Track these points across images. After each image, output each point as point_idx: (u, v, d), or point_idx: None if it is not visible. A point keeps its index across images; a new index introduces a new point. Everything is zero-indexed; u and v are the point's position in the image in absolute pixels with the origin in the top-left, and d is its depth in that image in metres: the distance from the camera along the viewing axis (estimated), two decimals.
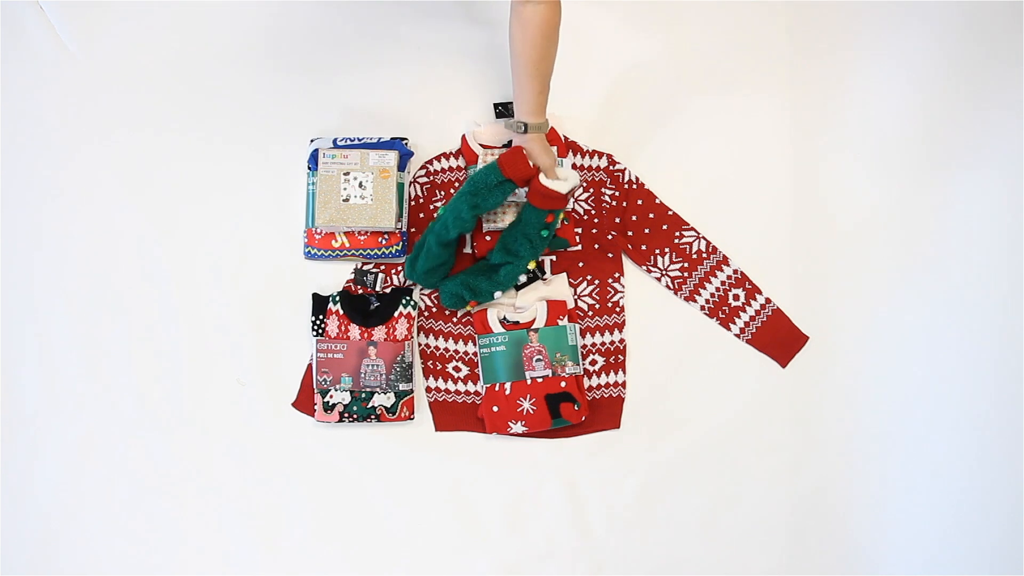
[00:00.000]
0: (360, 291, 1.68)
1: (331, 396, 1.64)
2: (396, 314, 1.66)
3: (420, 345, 1.69)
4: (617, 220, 1.71)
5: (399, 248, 1.67)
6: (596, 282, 1.70)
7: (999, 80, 1.75)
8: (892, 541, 1.66)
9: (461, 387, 1.69)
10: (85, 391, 1.67)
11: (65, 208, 1.71)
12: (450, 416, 1.68)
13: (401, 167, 1.68)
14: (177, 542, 1.65)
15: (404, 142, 1.69)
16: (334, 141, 1.69)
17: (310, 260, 1.69)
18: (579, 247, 1.70)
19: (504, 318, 1.66)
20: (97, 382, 1.67)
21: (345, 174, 1.65)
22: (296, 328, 1.68)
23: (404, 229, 1.68)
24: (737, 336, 1.69)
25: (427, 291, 1.70)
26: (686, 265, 1.70)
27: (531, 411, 1.63)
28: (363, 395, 1.64)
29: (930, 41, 1.76)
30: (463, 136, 1.71)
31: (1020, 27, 1.75)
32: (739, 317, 1.69)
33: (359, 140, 1.69)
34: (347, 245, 1.67)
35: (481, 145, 1.70)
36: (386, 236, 1.67)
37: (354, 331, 1.65)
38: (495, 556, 1.65)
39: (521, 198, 1.63)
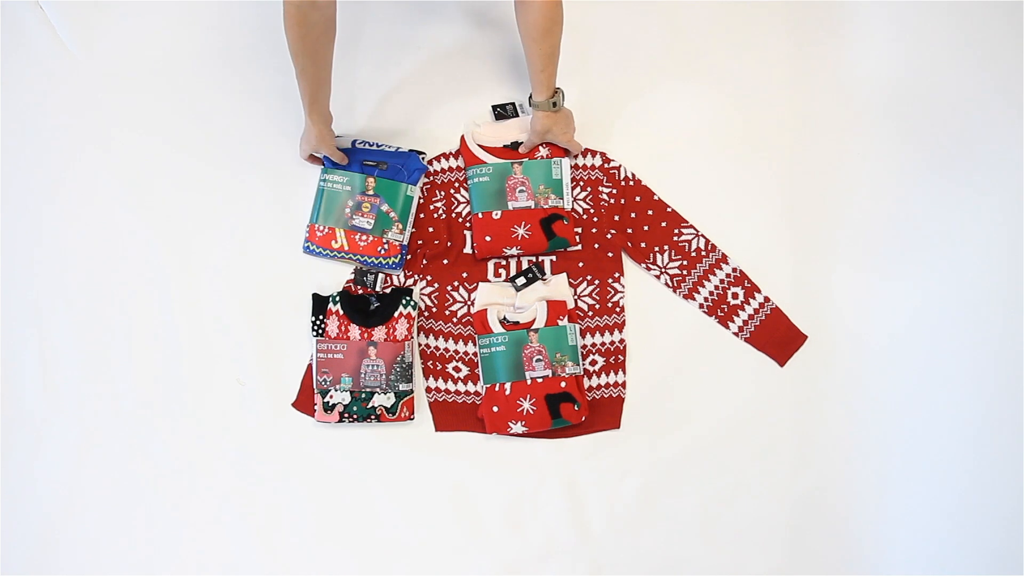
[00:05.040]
0: (360, 291, 1.68)
1: (331, 396, 1.64)
2: (396, 314, 1.66)
3: (420, 345, 1.69)
4: (616, 218, 1.71)
5: (396, 260, 1.68)
6: (596, 282, 1.70)
7: (999, 79, 1.75)
8: (892, 541, 1.66)
9: (461, 387, 1.69)
10: (85, 391, 1.67)
11: (65, 208, 1.71)
12: (450, 416, 1.68)
13: (414, 180, 1.68)
14: (177, 542, 1.64)
15: (421, 156, 1.70)
16: (353, 142, 1.69)
17: (307, 255, 1.69)
18: (579, 247, 1.71)
19: (504, 318, 1.67)
20: (97, 382, 1.67)
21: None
22: (296, 328, 1.68)
23: (405, 243, 1.68)
24: (736, 335, 1.69)
25: (427, 291, 1.70)
26: (685, 263, 1.70)
27: (531, 411, 1.63)
28: (363, 395, 1.64)
29: (930, 41, 1.77)
30: (462, 137, 1.72)
31: (1020, 25, 1.75)
32: (738, 315, 1.69)
33: (378, 145, 1.69)
34: (346, 247, 1.67)
35: (480, 146, 1.71)
36: (386, 246, 1.67)
37: (354, 331, 1.65)
38: (495, 556, 1.65)
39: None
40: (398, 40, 1.77)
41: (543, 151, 1.70)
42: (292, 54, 1.47)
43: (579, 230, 1.71)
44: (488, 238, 1.67)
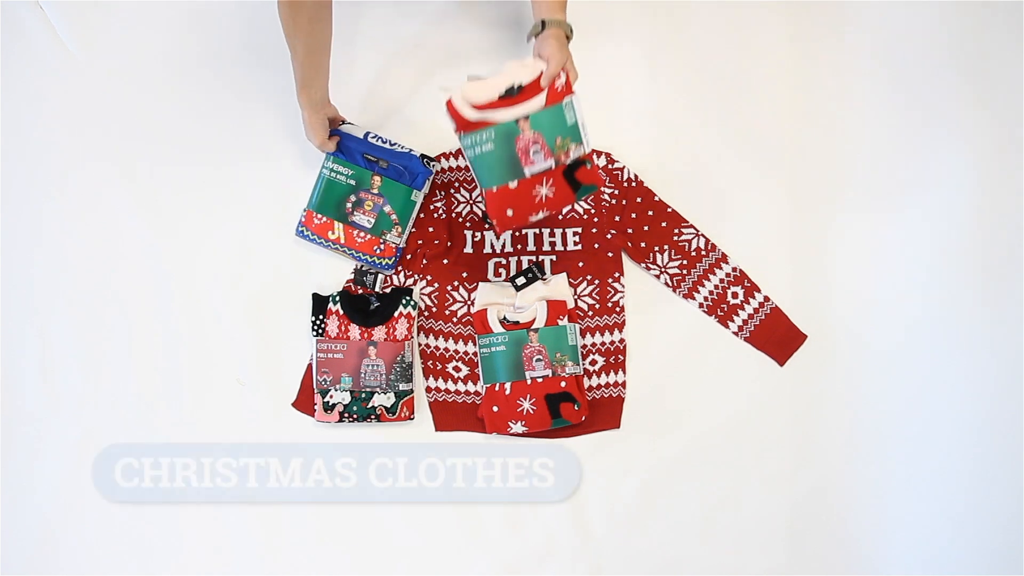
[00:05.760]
0: (360, 291, 1.68)
1: (331, 396, 1.64)
2: (396, 314, 1.66)
3: (420, 345, 1.69)
4: (617, 218, 1.71)
5: (390, 261, 1.67)
6: (596, 282, 1.70)
7: (1000, 80, 1.75)
8: (892, 541, 1.66)
9: (461, 387, 1.69)
10: (85, 391, 1.67)
11: (65, 207, 1.71)
12: (450, 416, 1.68)
13: (419, 185, 1.67)
14: (177, 542, 1.65)
15: (430, 163, 1.68)
16: (365, 134, 1.67)
17: (299, 238, 1.68)
18: (579, 246, 1.70)
19: (504, 318, 1.66)
20: (97, 382, 1.67)
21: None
22: (296, 328, 1.68)
23: (401, 246, 1.68)
24: (735, 334, 1.69)
25: (427, 291, 1.70)
26: (685, 262, 1.70)
27: (531, 411, 1.63)
28: (363, 395, 1.64)
29: (931, 41, 1.77)
30: (448, 102, 1.42)
31: (1020, 26, 1.75)
32: (737, 315, 1.69)
33: (388, 143, 1.68)
34: (342, 240, 1.67)
35: (474, 107, 1.42)
36: (382, 246, 1.67)
37: (354, 331, 1.65)
38: (495, 556, 1.65)
39: None
40: (399, 40, 1.77)
41: (540, 98, 1.44)
42: (285, 36, 1.47)
43: (579, 230, 1.70)
44: (510, 212, 1.47)
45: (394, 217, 1.66)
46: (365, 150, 1.67)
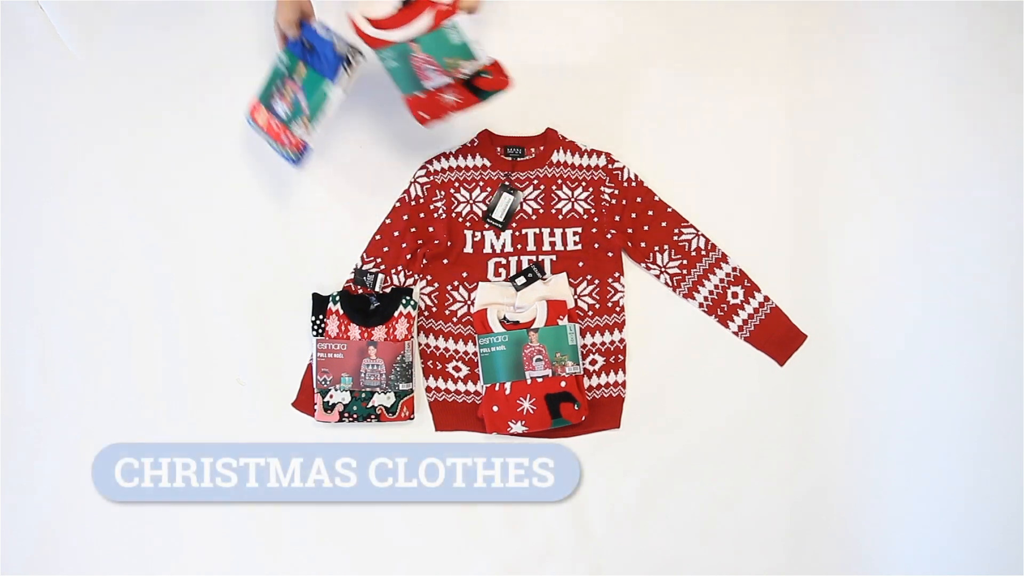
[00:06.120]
0: (360, 291, 1.68)
1: (331, 396, 1.64)
2: (396, 314, 1.66)
3: (420, 345, 1.69)
4: (617, 218, 1.71)
5: (296, 156, 1.60)
6: (596, 282, 1.70)
7: (1000, 80, 1.75)
8: (892, 541, 1.66)
9: (461, 387, 1.69)
10: (85, 391, 1.67)
11: (65, 207, 1.71)
12: (450, 416, 1.68)
13: (329, 75, 1.56)
14: (177, 542, 1.65)
15: (354, 54, 1.56)
16: (327, 28, 1.56)
17: (248, 126, 1.64)
18: (579, 246, 1.70)
19: (504, 318, 1.67)
20: (97, 382, 1.67)
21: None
22: (296, 328, 1.68)
23: (310, 143, 1.59)
24: (735, 334, 1.69)
25: (427, 291, 1.70)
26: (685, 262, 1.70)
27: (531, 411, 1.63)
28: (363, 395, 1.64)
29: (931, 40, 1.77)
30: (352, 22, 1.49)
31: (1021, 28, 1.75)
32: (737, 315, 1.69)
33: (335, 35, 1.56)
34: (263, 125, 1.60)
35: (372, 22, 1.48)
36: (291, 137, 1.59)
37: (354, 331, 1.65)
38: (495, 556, 1.65)
39: None
40: None
41: (426, 18, 1.46)
42: None
43: (579, 230, 1.70)
44: (423, 114, 1.55)
45: (306, 109, 1.58)
46: (307, 37, 1.57)
